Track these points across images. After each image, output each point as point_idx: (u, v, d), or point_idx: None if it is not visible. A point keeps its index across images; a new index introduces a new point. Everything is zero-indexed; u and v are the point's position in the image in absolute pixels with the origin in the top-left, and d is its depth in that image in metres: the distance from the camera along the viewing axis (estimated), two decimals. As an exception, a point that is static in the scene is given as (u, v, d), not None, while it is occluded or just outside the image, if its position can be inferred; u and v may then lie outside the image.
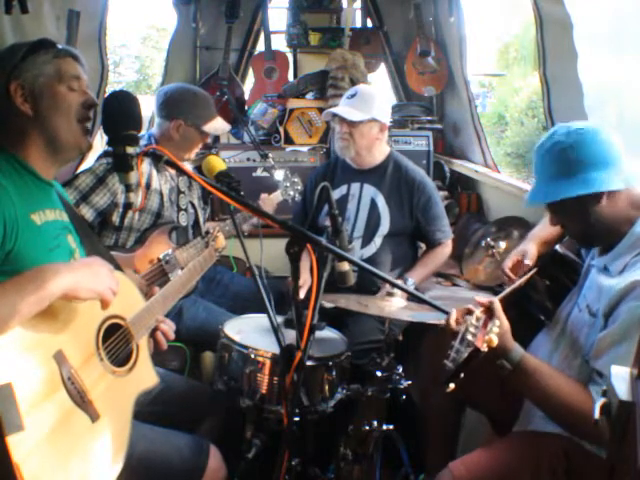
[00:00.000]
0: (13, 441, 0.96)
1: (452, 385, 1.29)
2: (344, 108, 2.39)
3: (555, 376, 1.39)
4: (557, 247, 1.80)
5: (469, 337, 1.30)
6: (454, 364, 1.28)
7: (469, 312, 1.43)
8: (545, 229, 1.92)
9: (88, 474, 1.10)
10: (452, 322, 1.46)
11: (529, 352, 1.55)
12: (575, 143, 1.44)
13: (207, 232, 2.02)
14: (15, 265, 1.19)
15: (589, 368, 1.39)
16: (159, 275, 2.06)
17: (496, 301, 1.41)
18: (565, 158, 1.45)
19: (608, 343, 1.33)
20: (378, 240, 2.43)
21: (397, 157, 2.53)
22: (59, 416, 1.07)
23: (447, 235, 2.47)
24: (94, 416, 1.15)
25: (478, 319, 1.36)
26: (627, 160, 1.46)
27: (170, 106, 2.20)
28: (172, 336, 1.50)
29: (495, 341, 1.27)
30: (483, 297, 1.46)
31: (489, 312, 1.39)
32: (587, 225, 1.47)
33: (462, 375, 1.28)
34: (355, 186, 2.51)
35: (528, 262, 1.80)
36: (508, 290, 1.65)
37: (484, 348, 1.25)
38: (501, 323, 1.36)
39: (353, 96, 2.40)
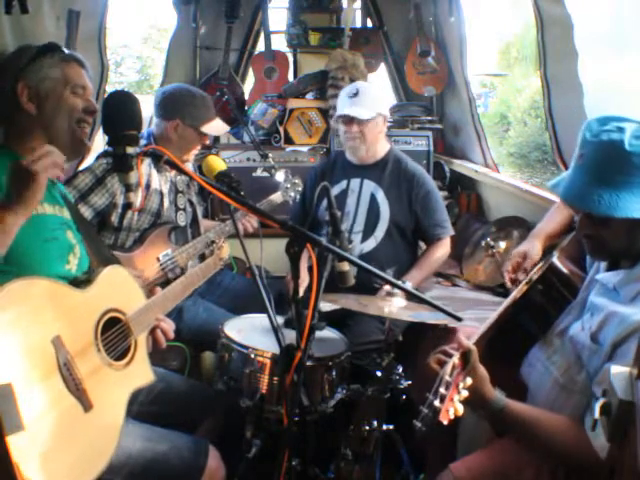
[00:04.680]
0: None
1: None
2: (353, 108, 2.37)
3: (543, 420, 1.31)
4: (554, 260, 1.64)
5: (436, 403, 1.24)
6: (423, 424, 1.26)
7: (447, 354, 1.39)
8: (550, 223, 1.86)
9: (74, 462, 1.10)
10: (433, 365, 1.43)
11: (524, 366, 1.52)
12: None
13: (213, 242, 2.06)
14: (9, 250, 1.18)
15: (590, 385, 1.32)
16: (160, 276, 2.06)
17: (473, 350, 1.31)
18: (636, 166, 1.23)
19: None
20: (379, 235, 2.43)
21: (397, 153, 2.54)
22: (51, 401, 1.08)
23: (446, 231, 2.45)
24: (87, 405, 1.15)
25: (454, 368, 1.30)
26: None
27: (168, 106, 2.19)
28: (172, 335, 1.50)
29: (461, 411, 1.22)
30: (471, 322, 1.37)
31: (465, 360, 1.30)
32: (629, 248, 1.31)
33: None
34: (355, 181, 2.51)
35: (528, 265, 1.75)
36: (490, 322, 1.58)
37: (450, 417, 1.21)
38: (475, 376, 1.28)
39: (355, 95, 2.39)
